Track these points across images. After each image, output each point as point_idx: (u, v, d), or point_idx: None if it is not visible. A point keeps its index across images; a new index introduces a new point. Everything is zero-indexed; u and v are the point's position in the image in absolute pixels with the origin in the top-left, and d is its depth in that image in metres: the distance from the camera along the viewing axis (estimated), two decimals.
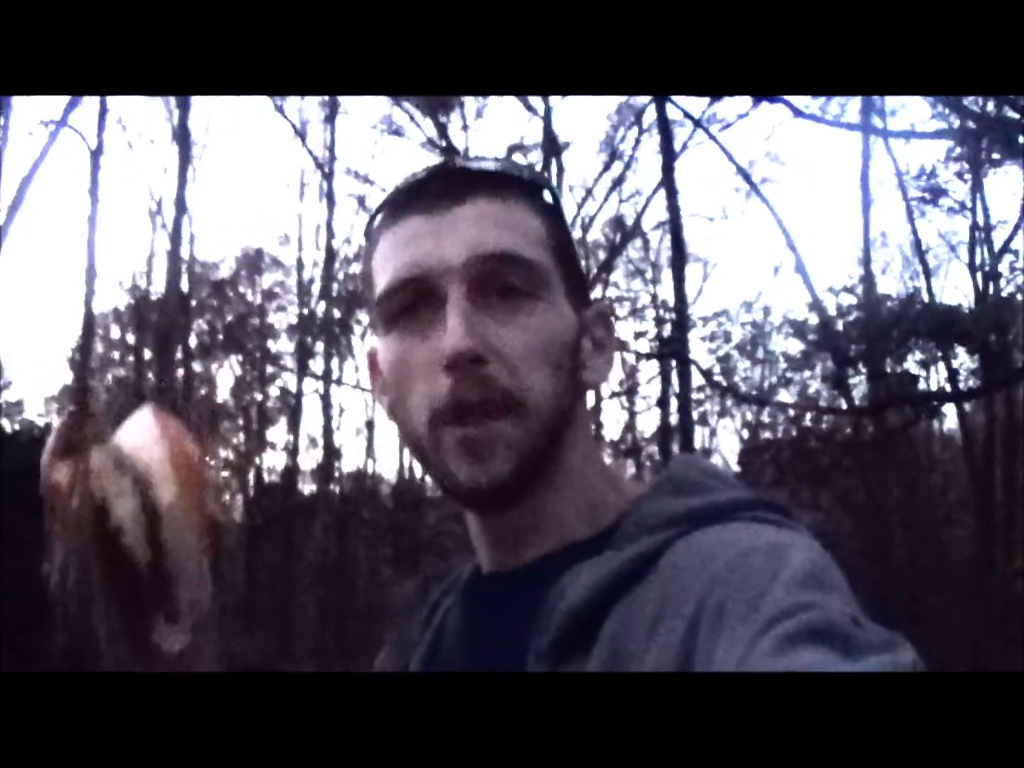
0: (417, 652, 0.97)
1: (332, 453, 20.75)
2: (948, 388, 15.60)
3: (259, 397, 22.41)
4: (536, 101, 17.42)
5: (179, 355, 19.20)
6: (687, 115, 15.72)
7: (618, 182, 19.49)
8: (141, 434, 0.82)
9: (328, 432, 20.52)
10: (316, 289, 20.96)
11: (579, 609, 0.81)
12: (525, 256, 0.88)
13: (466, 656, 0.92)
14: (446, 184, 0.89)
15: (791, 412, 18.53)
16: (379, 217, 0.93)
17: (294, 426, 21.50)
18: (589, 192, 19.31)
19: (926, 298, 16.01)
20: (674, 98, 14.40)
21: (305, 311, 21.17)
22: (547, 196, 0.94)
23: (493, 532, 0.92)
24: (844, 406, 16.17)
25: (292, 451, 21.37)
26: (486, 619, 0.92)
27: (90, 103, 16.71)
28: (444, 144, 18.14)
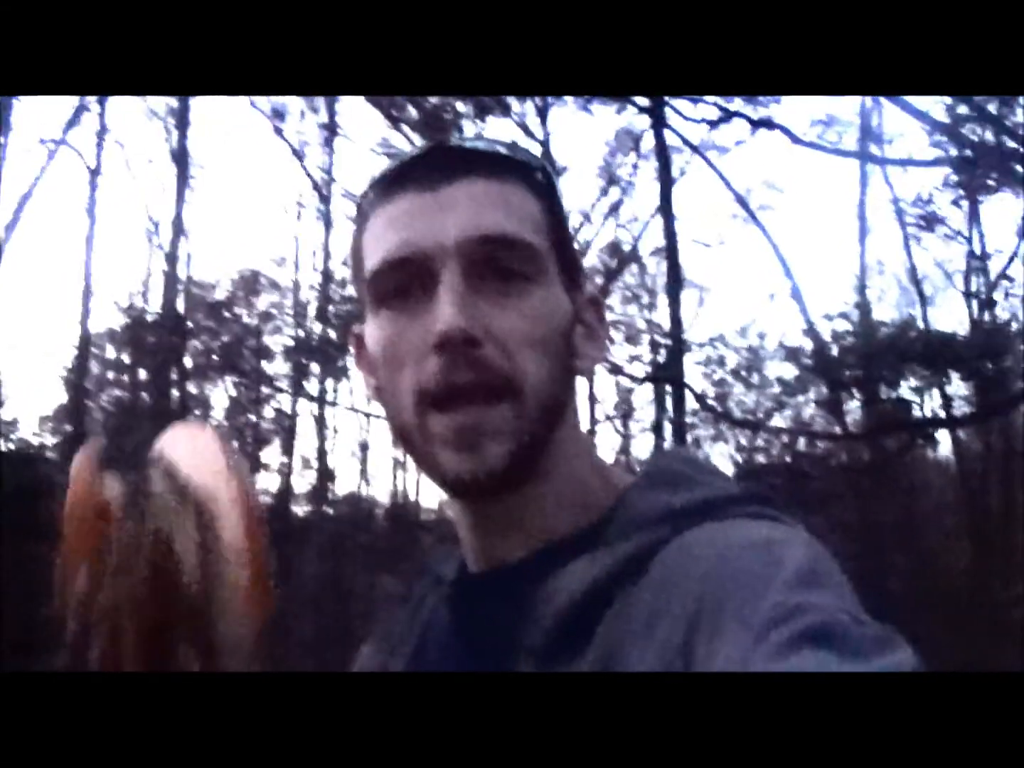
0: (403, 649, 0.95)
1: (326, 475, 20.68)
2: (943, 414, 15.61)
3: (254, 418, 22.34)
4: (534, 125, 17.45)
5: (175, 376, 19.14)
6: (685, 142, 15.77)
7: (615, 207, 19.53)
8: (206, 462, 0.78)
9: (322, 454, 20.47)
10: (312, 311, 20.95)
11: (570, 610, 0.79)
12: (522, 238, 0.86)
13: (454, 655, 0.90)
14: (441, 162, 0.87)
15: (785, 437, 18.54)
16: (371, 195, 0.91)
17: (288, 448, 21.45)
18: (586, 217, 19.32)
19: (921, 325, 16.04)
20: (672, 124, 14.45)
21: (301, 333, 21.15)
22: (541, 177, 0.91)
23: (481, 527, 0.90)
24: (838, 431, 16.17)
25: (286, 473, 21.32)
26: (475, 618, 0.90)
27: (89, 121, 16.72)
28: None
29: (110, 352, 21.63)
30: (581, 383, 0.95)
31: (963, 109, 9.84)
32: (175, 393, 19.32)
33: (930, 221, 15.60)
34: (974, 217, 16.18)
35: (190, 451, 0.79)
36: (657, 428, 19.41)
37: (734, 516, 0.82)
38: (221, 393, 22.44)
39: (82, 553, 0.75)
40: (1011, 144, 8.71)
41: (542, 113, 17.39)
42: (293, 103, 18.88)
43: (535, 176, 0.91)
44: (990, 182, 11.45)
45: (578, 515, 0.88)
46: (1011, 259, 15.80)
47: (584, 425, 1.00)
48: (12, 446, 16.01)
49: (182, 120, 17.98)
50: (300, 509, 21.81)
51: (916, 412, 15.67)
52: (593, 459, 0.93)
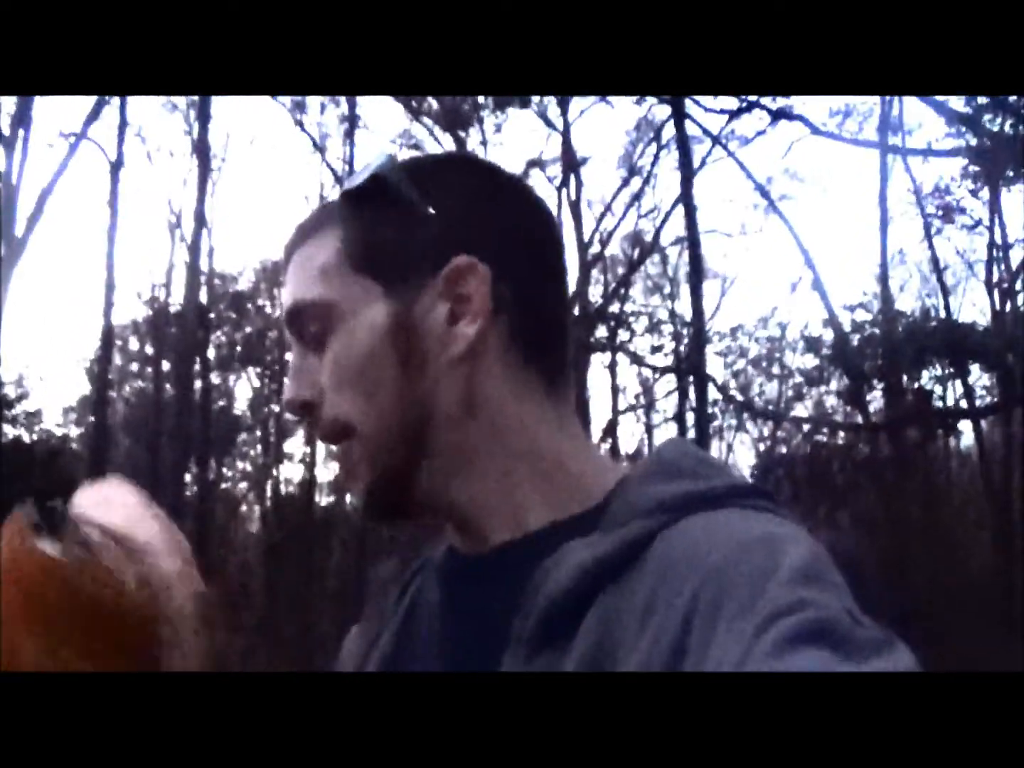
0: (390, 628, 0.95)
1: None
2: (964, 404, 15.54)
3: (276, 409, 22.44)
4: (555, 116, 17.45)
5: (197, 367, 19.24)
6: (706, 132, 15.73)
7: (637, 197, 19.53)
8: (131, 511, 0.82)
9: None
10: None
11: (564, 593, 0.78)
12: (307, 300, 0.88)
13: (441, 636, 0.89)
14: (304, 224, 0.94)
15: (806, 427, 18.49)
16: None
17: (311, 437, 21.53)
18: (608, 207, 19.35)
19: (943, 315, 15.96)
20: (693, 114, 14.41)
21: None
22: (356, 192, 0.90)
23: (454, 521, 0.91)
24: (860, 421, 16.13)
25: (310, 463, 21.42)
26: (464, 597, 0.89)
27: (110, 114, 16.81)
28: None
29: (133, 344, 21.82)
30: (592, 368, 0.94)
31: (981, 99, 9.76)
32: (198, 384, 19.43)
33: (950, 211, 15.51)
34: (995, 207, 16.07)
35: (110, 505, 0.82)
36: (679, 418, 19.40)
37: (733, 508, 0.81)
38: (244, 384, 22.61)
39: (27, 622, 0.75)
40: None
41: (562, 104, 17.39)
42: (313, 96, 18.91)
43: (348, 201, 0.90)
44: (1009, 172, 11.36)
45: (567, 502, 0.86)
46: None
47: (606, 415, 0.97)
48: (35, 437, 16.15)
49: (203, 113, 18.05)
50: (324, 499, 21.93)
51: (938, 403, 15.62)
52: (578, 448, 0.91)
